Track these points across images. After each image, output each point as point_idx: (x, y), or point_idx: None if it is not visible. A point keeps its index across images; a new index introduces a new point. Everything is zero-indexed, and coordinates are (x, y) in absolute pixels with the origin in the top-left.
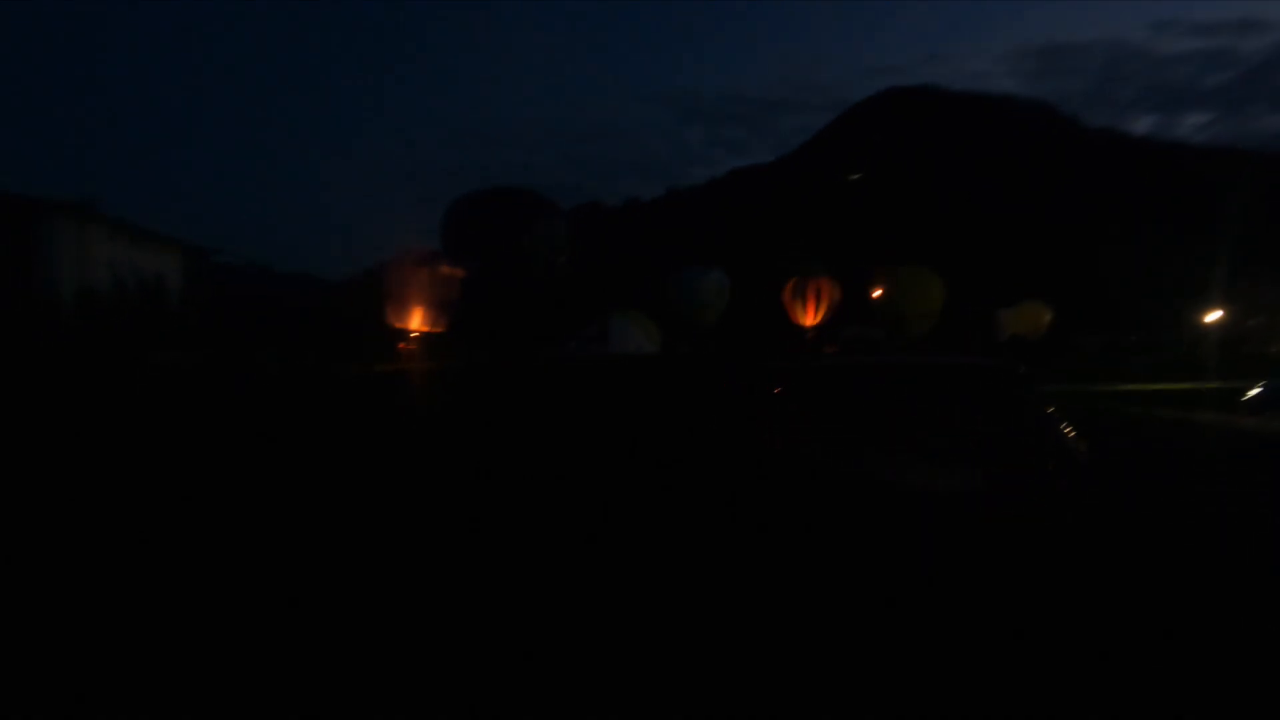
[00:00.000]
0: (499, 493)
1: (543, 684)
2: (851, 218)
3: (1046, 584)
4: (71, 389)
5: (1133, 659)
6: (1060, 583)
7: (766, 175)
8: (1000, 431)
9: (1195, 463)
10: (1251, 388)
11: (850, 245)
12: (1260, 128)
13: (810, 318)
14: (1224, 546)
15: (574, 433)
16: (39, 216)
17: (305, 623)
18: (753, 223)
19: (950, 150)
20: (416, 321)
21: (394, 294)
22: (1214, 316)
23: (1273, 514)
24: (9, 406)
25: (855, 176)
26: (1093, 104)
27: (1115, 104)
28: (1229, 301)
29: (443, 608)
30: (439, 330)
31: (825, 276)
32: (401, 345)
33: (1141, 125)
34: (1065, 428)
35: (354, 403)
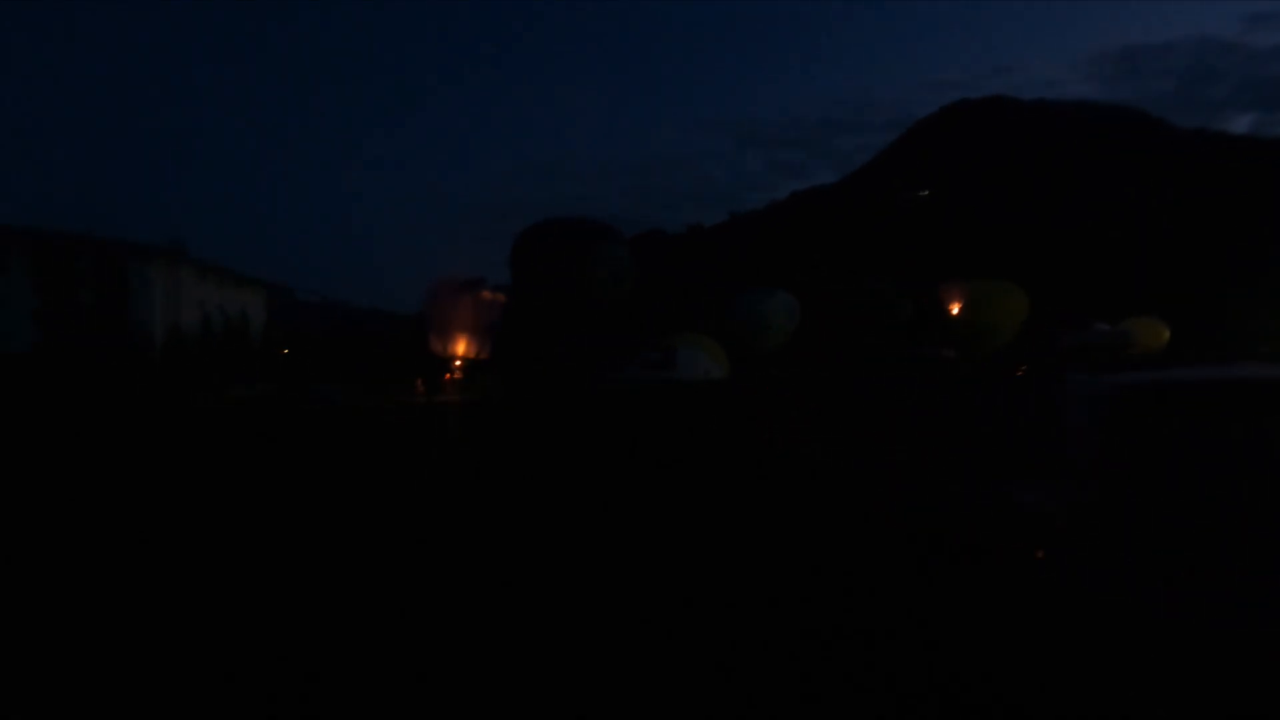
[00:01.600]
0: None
1: None
2: (921, 235)
3: None
4: (150, 421)
5: None
6: None
7: (829, 196)
8: None
9: None
10: None
11: (920, 262)
12: None
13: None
14: None
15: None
16: (133, 260)
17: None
18: (818, 243)
19: (1024, 161)
20: (461, 348)
21: (437, 322)
22: None
23: None
24: (98, 438)
25: (923, 193)
26: (1181, 106)
27: (1207, 104)
28: None
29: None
30: (483, 356)
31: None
32: (447, 375)
33: (1240, 124)
34: None
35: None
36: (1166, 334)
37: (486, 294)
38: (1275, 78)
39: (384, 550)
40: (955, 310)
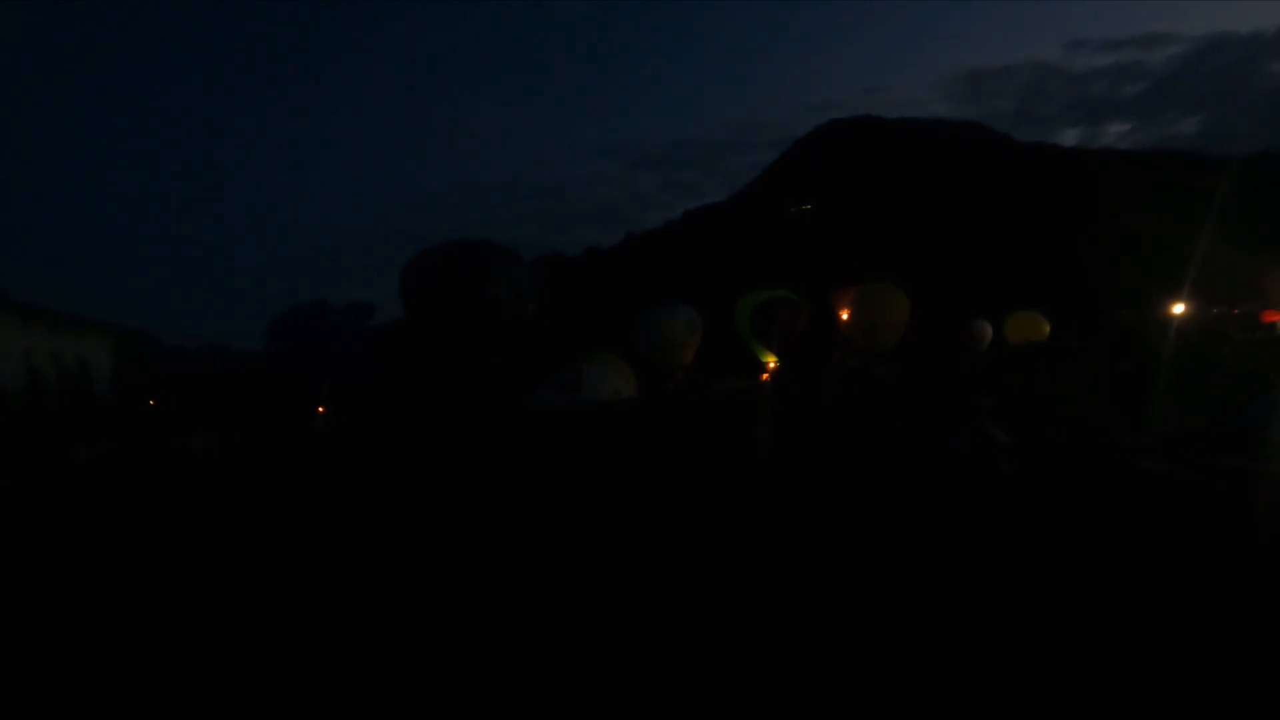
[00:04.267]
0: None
1: None
2: (805, 247)
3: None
4: None
5: None
6: None
7: (720, 214)
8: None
9: None
10: None
11: (808, 272)
12: (1177, 131)
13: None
14: None
15: None
16: None
17: None
18: (712, 260)
19: (892, 174)
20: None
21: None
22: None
23: None
24: None
25: (805, 207)
26: (1021, 122)
27: (1041, 120)
28: (1202, 299)
29: None
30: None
31: (792, 302)
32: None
33: (1069, 137)
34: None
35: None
36: (1047, 327)
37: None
38: (1095, 95)
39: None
40: (845, 315)
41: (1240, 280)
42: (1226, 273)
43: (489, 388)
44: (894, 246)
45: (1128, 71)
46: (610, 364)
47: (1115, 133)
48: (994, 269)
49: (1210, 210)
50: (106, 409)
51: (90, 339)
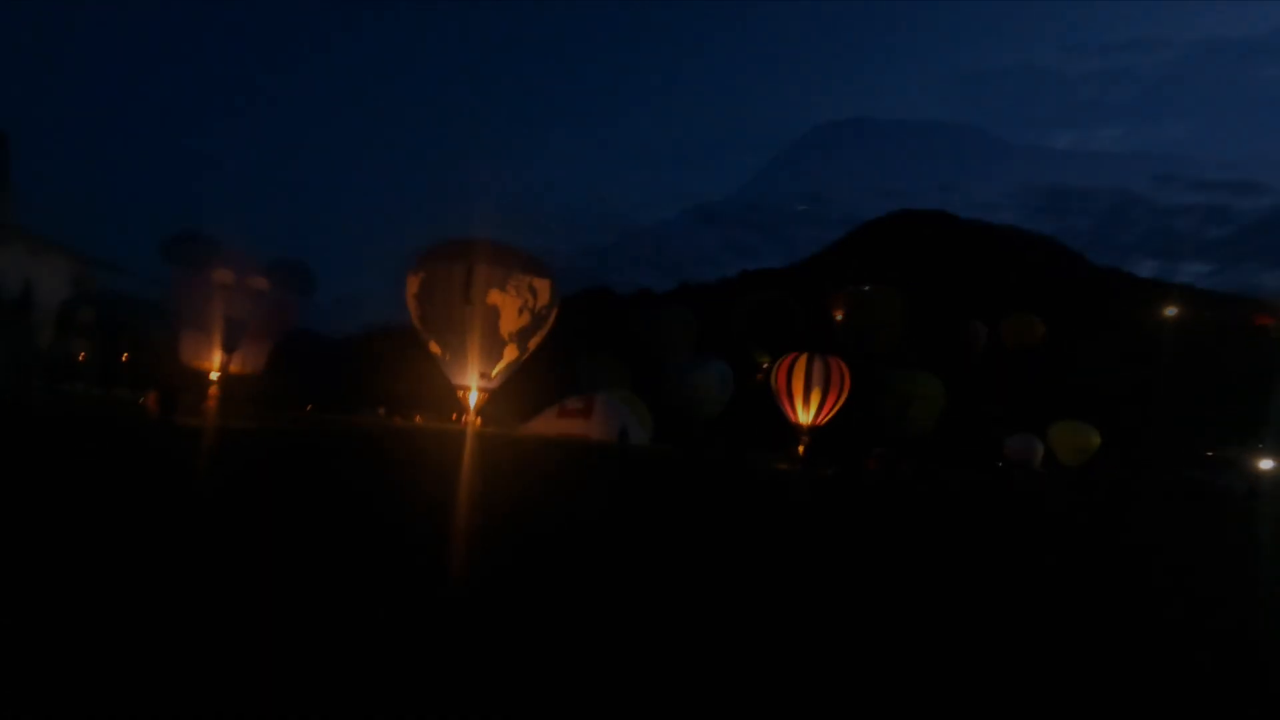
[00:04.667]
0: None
1: None
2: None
3: None
4: None
5: None
6: None
7: (778, 279)
8: None
9: None
10: None
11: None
12: (1259, 282)
13: (809, 411)
14: None
15: None
16: None
17: None
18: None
19: (958, 272)
20: (217, 358)
21: (188, 317)
22: (1268, 464)
23: None
24: None
25: (865, 288)
26: (1096, 244)
27: (1119, 247)
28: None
29: None
30: (254, 369)
31: (835, 358)
32: (211, 389)
33: (1145, 269)
34: None
35: None
36: (1097, 439)
37: (258, 280)
38: (1177, 230)
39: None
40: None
41: None
42: None
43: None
44: (950, 340)
45: (1216, 213)
46: (626, 401)
47: (1193, 272)
48: (1048, 380)
49: None
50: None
51: (52, 261)
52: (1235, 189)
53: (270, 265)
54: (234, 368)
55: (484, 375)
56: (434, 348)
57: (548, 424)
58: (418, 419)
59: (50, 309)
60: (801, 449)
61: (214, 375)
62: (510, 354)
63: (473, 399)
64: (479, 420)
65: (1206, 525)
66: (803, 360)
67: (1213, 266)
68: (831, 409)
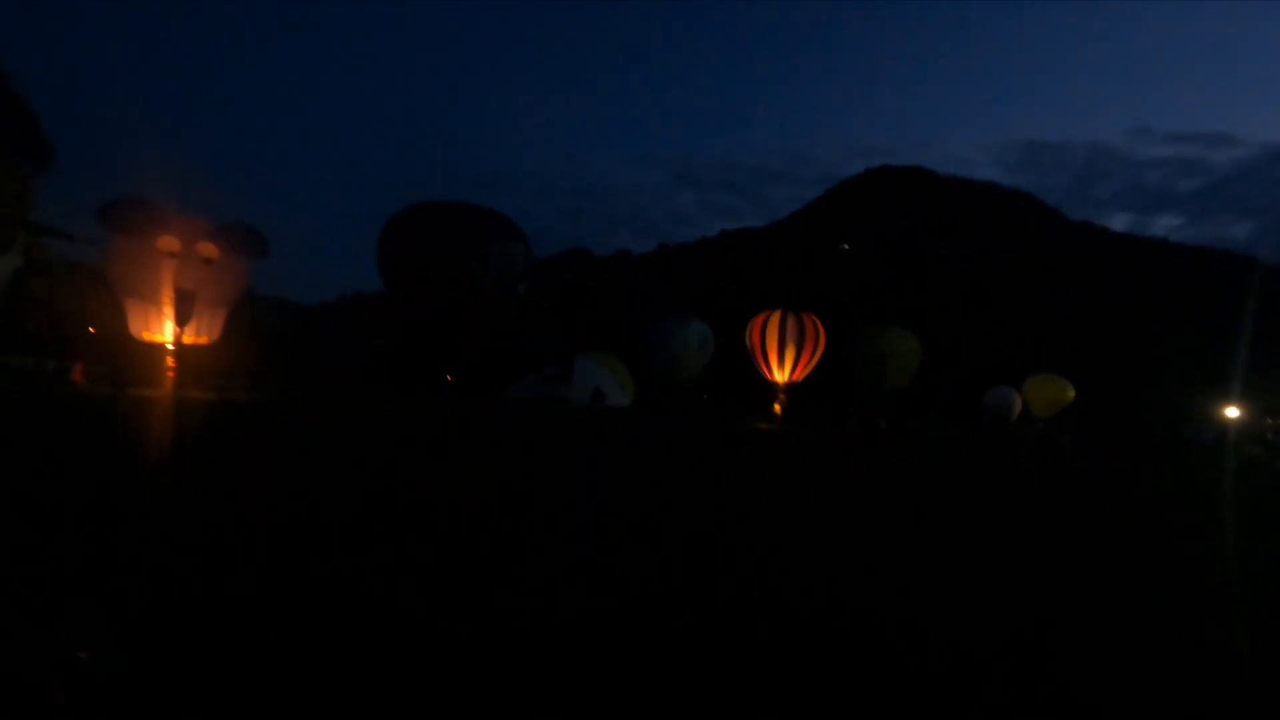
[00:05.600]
0: None
1: None
2: (839, 286)
3: None
4: None
5: None
6: None
7: (757, 238)
8: None
9: None
10: None
11: (836, 306)
12: (1229, 234)
13: (784, 369)
14: None
15: None
16: None
17: None
18: (742, 281)
19: (936, 229)
20: (166, 330)
21: (132, 287)
22: (1234, 413)
23: None
24: None
25: (845, 246)
26: (1072, 199)
27: (1093, 201)
28: (1246, 398)
29: None
30: (206, 340)
31: (809, 315)
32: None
33: (1119, 222)
34: None
35: None
36: (1071, 392)
37: (210, 249)
38: (1151, 185)
39: None
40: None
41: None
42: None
43: (467, 372)
44: (925, 298)
45: (1188, 166)
46: (606, 363)
47: (1166, 225)
48: (1023, 335)
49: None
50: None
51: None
52: (1208, 141)
53: (218, 229)
54: (187, 338)
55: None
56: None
57: (528, 387)
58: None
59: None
60: (778, 407)
61: (166, 345)
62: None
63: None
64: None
65: (1173, 471)
66: (775, 317)
67: (1184, 219)
68: (807, 365)
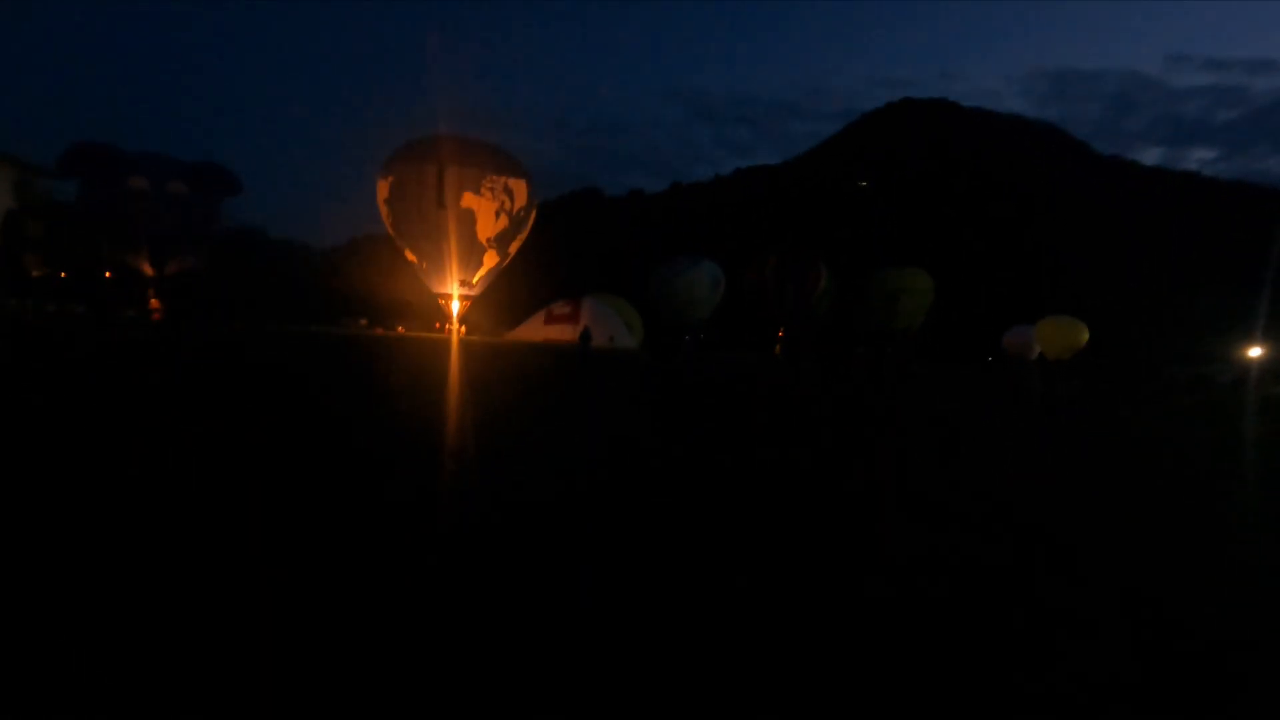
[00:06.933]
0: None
1: None
2: (859, 222)
3: None
4: None
5: None
6: None
7: (774, 176)
8: None
9: None
10: None
11: (855, 248)
12: (1266, 167)
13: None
14: None
15: None
16: None
17: None
18: (757, 220)
19: (961, 163)
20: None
21: (106, 228)
22: (1257, 352)
23: None
24: None
25: (864, 184)
26: (1102, 132)
27: (1125, 134)
28: (1273, 338)
29: None
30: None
31: (812, 261)
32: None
33: (1150, 156)
34: None
35: None
36: (1085, 336)
37: (178, 185)
38: (1186, 116)
39: None
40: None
41: None
42: None
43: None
44: (945, 235)
45: (1227, 95)
46: (614, 304)
47: (1199, 159)
48: (1046, 274)
49: None
50: None
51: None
52: (1248, 68)
53: (186, 168)
54: (168, 271)
55: (465, 283)
56: (410, 255)
57: (534, 330)
58: (400, 330)
59: None
60: (779, 348)
61: (146, 281)
62: (490, 260)
63: (455, 308)
64: (463, 329)
65: (1191, 412)
66: (773, 260)
67: (1219, 151)
68: (806, 301)
